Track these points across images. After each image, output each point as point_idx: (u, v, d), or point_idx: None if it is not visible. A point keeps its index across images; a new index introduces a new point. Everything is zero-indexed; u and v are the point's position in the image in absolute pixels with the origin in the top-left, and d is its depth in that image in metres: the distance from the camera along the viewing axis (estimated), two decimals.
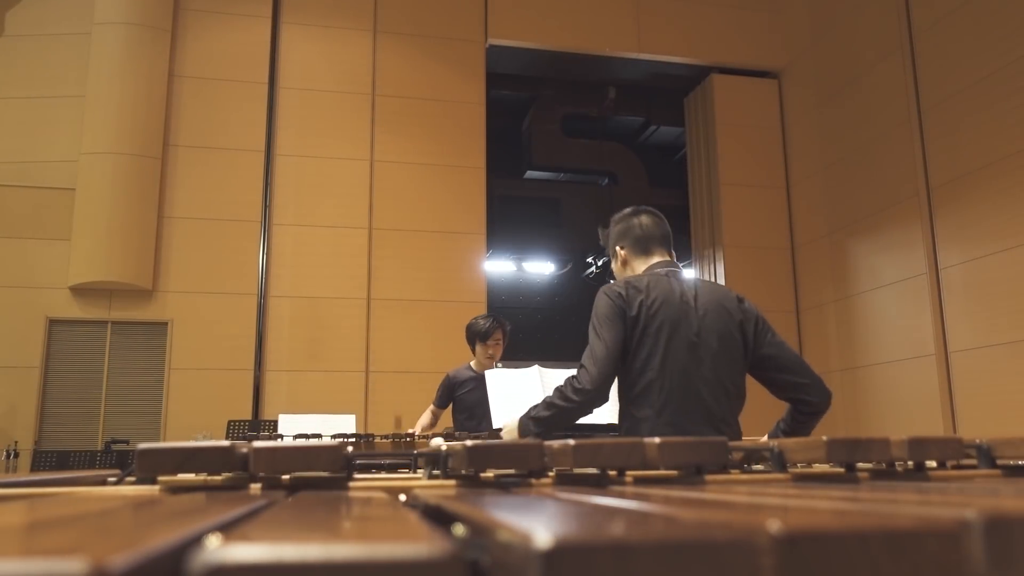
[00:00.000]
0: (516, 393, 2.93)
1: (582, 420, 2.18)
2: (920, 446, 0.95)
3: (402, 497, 0.74)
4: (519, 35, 6.85)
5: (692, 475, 0.93)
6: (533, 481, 0.88)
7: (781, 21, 7.32)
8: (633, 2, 7.09)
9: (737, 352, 2.12)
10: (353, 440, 3.09)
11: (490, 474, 0.91)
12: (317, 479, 0.83)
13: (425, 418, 3.94)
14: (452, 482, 0.90)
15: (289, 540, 0.31)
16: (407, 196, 6.40)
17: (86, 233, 5.70)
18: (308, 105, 6.38)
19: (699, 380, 2.05)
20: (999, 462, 1.03)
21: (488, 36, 6.78)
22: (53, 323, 5.73)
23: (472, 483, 0.88)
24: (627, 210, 2.37)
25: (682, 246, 7.34)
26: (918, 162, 5.57)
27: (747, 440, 2.17)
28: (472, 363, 3.90)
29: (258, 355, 5.91)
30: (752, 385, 2.23)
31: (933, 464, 1.02)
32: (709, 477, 0.93)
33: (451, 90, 6.65)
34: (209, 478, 0.83)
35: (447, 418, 4.07)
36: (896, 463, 0.98)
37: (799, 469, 1.02)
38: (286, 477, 0.83)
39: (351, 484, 0.82)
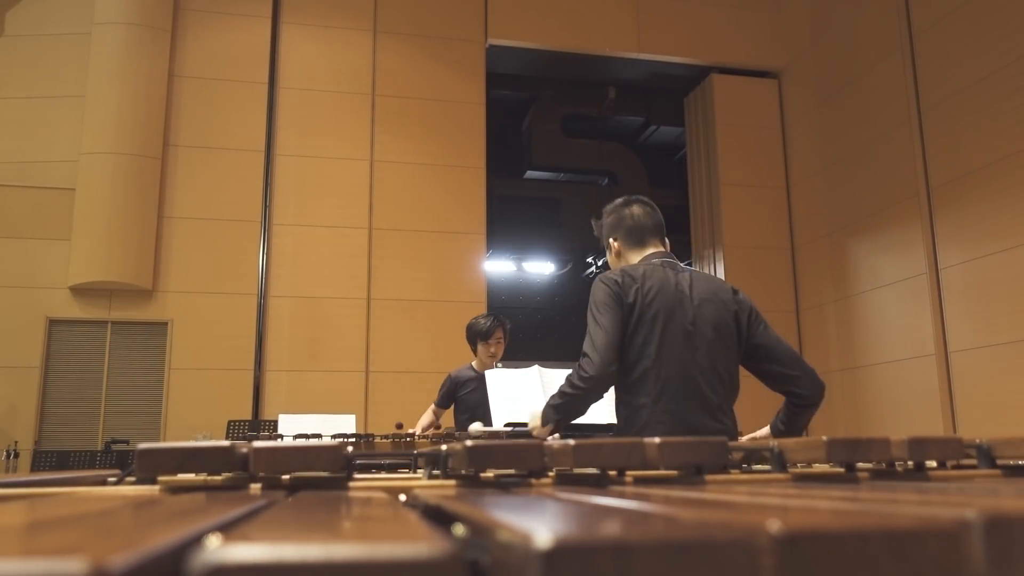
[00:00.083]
0: (516, 393, 2.93)
1: (583, 420, 2.20)
2: (920, 446, 0.95)
3: (402, 497, 0.74)
4: (519, 35, 6.85)
5: (692, 475, 0.93)
6: (533, 481, 0.88)
7: (781, 21, 7.32)
8: (633, 2, 7.09)
9: (731, 341, 2.13)
10: (353, 440, 3.09)
11: (490, 474, 0.91)
12: (317, 479, 0.83)
13: (426, 418, 3.93)
14: (452, 482, 0.90)
15: (289, 540, 0.31)
16: (407, 196, 6.40)
17: (86, 233, 5.70)
18: (308, 105, 6.38)
19: (695, 368, 2.06)
20: (999, 462, 1.03)
21: (488, 36, 6.78)
22: (53, 323, 5.73)
23: (472, 483, 0.88)
24: (618, 200, 2.37)
25: (682, 246, 7.34)
26: (918, 162, 5.57)
27: (747, 438, 2.18)
28: (474, 363, 3.90)
29: (258, 355, 5.91)
30: (751, 381, 2.24)
31: (933, 464, 1.02)
32: (709, 477, 0.93)
33: (451, 90, 6.65)
34: (209, 478, 0.83)
35: (448, 419, 4.06)
36: (896, 463, 0.98)
37: (799, 469, 1.02)
38: (286, 477, 0.83)
39: (351, 484, 0.82)
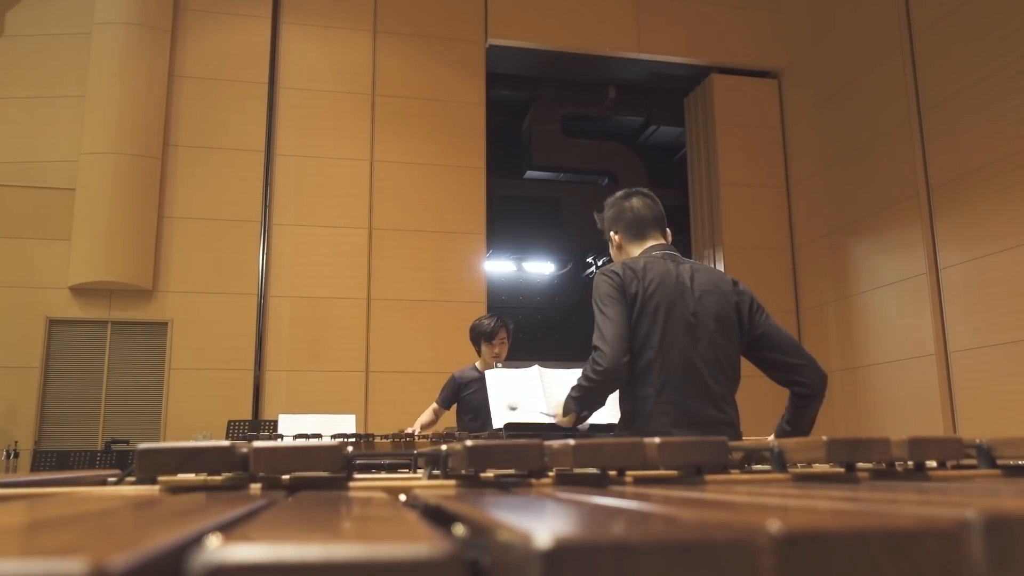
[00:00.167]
0: (516, 393, 2.93)
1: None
2: (920, 446, 0.95)
3: (402, 497, 0.74)
4: (519, 35, 6.85)
5: (692, 475, 0.93)
6: (533, 481, 0.88)
7: (781, 21, 7.32)
8: (633, 2, 7.09)
9: (733, 332, 2.14)
10: (353, 440, 3.09)
11: (490, 474, 0.91)
12: (317, 479, 0.83)
13: (426, 416, 3.93)
14: (452, 482, 0.90)
15: (289, 540, 0.31)
16: (407, 196, 6.40)
17: (86, 233, 5.70)
18: (308, 105, 6.38)
19: (697, 359, 2.07)
20: (999, 462, 1.03)
21: (488, 36, 6.78)
22: (53, 323, 5.73)
23: (472, 483, 0.88)
24: (619, 193, 2.38)
25: (682, 246, 7.30)
26: (918, 162, 5.56)
27: (748, 440, 2.18)
28: (477, 363, 3.90)
29: (258, 355, 5.91)
30: (750, 380, 2.24)
31: (933, 464, 1.02)
32: (709, 477, 0.93)
33: (451, 90, 6.65)
34: (209, 478, 0.83)
35: (449, 418, 4.06)
36: (896, 463, 0.98)
37: (799, 469, 1.02)
38: (286, 477, 0.83)
39: (351, 484, 0.82)
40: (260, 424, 5.09)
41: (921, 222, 5.50)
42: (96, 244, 5.68)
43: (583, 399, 2.10)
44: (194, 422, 5.50)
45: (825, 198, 6.63)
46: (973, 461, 1.04)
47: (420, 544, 0.29)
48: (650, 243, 2.27)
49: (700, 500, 0.55)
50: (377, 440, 3.09)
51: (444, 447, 0.95)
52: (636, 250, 2.27)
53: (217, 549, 0.28)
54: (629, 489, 0.78)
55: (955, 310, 5.21)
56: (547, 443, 0.90)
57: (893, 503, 0.47)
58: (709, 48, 7.18)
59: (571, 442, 0.87)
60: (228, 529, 0.40)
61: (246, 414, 5.70)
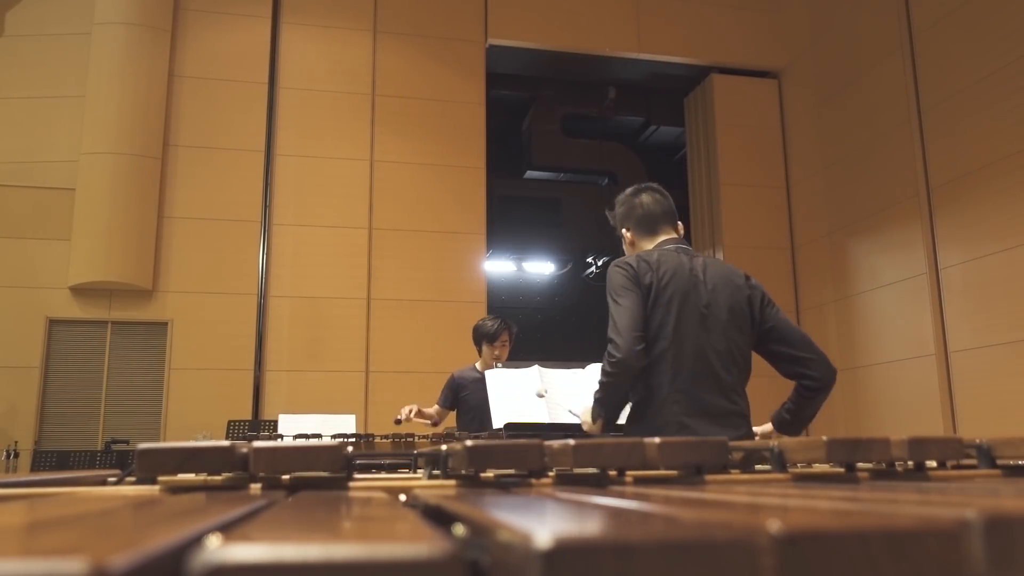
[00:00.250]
0: (516, 393, 2.93)
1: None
2: (920, 446, 0.95)
3: (402, 497, 0.74)
4: (519, 35, 6.85)
5: (692, 475, 0.93)
6: (533, 481, 0.88)
7: (781, 21, 7.32)
8: (633, 2, 7.09)
9: (745, 324, 2.17)
10: (353, 440, 3.09)
11: (490, 474, 0.91)
12: (317, 479, 0.83)
13: (431, 409, 3.89)
14: (452, 482, 0.90)
15: (289, 540, 0.31)
16: (407, 196, 6.40)
17: (86, 233, 5.69)
18: (308, 105, 6.38)
19: (710, 350, 2.09)
20: (999, 462, 1.03)
21: (488, 36, 6.78)
22: (53, 323, 5.73)
23: (472, 483, 0.88)
24: (628, 190, 2.42)
25: None
26: (918, 162, 5.56)
27: (754, 439, 2.18)
28: (478, 364, 3.90)
29: (258, 355, 5.91)
30: (759, 380, 2.24)
31: (933, 464, 1.02)
32: (709, 477, 0.93)
33: (451, 90, 6.65)
34: (209, 478, 0.83)
35: (449, 419, 4.06)
36: (896, 463, 0.98)
37: (799, 469, 1.02)
38: (286, 477, 0.83)
39: (351, 484, 0.82)
40: (260, 424, 5.09)
41: (921, 222, 5.50)
42: (96, 244, 5.68)
43: (605, 398, 2.11)
44: (194, 422, 5.50)
45: (825, 198, 6.63)
46: (973, 461, 1.04)
47: (420, 544, 0.29)
48: (662, 238, 2.29)
49: (700, 500, 0.55)
50: (377, 440, 3.09)
51: (444, 447, 0.95)
52: (648, 245, 2.30)
53: (217, 549, 0.28)
54: (629, 489, 0.78)
55: (955, 310, 5.21)
56: (547, 443, 0.90)
57: (893, 503, 0.47)
58: (709, 48, 7.18)
59: (571, 442, 0.87)
60: (228, 529, 0.40)
61: (246, 414, 5.70)
